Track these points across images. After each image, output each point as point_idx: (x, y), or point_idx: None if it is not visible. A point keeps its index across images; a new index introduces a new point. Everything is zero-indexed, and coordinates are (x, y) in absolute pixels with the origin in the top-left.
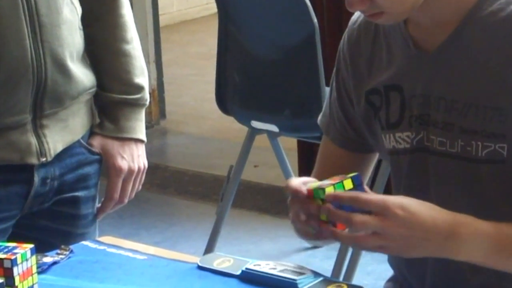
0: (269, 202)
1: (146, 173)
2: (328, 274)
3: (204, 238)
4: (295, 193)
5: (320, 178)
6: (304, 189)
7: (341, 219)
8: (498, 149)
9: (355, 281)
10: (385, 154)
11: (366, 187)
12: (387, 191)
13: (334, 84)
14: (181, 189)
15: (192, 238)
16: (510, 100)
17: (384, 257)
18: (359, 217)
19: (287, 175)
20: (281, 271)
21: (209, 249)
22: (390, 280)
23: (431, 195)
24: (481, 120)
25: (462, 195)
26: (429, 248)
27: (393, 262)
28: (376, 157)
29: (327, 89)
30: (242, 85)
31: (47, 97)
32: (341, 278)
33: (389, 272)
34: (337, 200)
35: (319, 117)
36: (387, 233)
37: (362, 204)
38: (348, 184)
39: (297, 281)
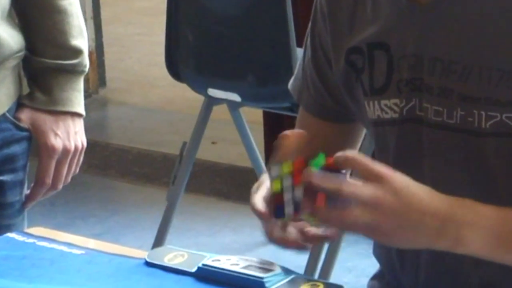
0: (229, 185)
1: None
2: (301, 270)
3: (152, 228)
4: (261, 216)
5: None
6: (265, 209)
7: (329, 184)
8: (505, 119)
9: (333, 278)
10: (368, 125)
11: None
12: None
13: (308, 41)
14: (124, 171)
15: (138, 228)
16: None
17: (367, 251)
18: (350, 184)
19: (251, 153)
20: (244, 267)
21: (158, 241)
22: (375, 277)
23: (424, 174)
24: (485, 85)
25: (462, 175)
26: (424, 232)
27: (380, 254)
28: (363, 128)
29: (299, 51)
30: (196, 46)
31: None
32: (316, 276)
33: (372, 268)
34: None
35: (290, 81)
36: (380, 206)
37: (357, 165)
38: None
39: (264, 280)
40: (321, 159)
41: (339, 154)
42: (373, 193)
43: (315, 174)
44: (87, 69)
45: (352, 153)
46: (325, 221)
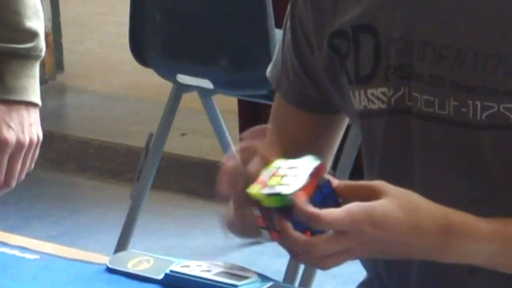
0: (201, 181)
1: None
2: (279, 277)
3: (115, 230)
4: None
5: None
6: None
7: (306, 215)
8: (502, 110)
9: (315, 286)
10: (354, 117)
11: (331, 178)
12: (357, 168)
13: (288, 23)
14: (84, 166)
15: (99, 230)
16: None
17: None
18: (329, 215)
19: (225, 146)
20: (217, 274)
21: (121, 244)
22: (363, 284)
23: (414, 170)
24: (480, 72)
25: (455, 171)
26: (412, 257)
27: (366, 261)
28: (346, 119)
29: (278, 32)
30: (164, 27)
31: None
32: (297, 283)
33: (359, 274)
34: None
35: (269, 68)
36: (357, 250)
37: (324, 225)
38: None
39: (239, 287)
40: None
41: (309, 210)
42: (347, 243)
43: (295, 205)
44: (43, 53)
45: (315, 213)
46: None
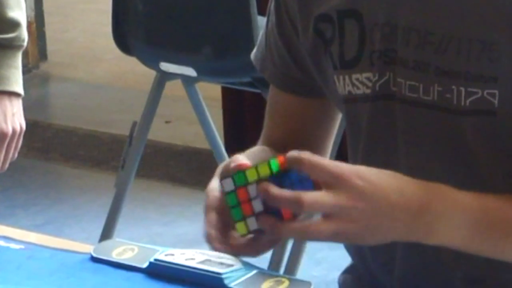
0: (185, 169)
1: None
2: (265, 265)
3: (100, 218)
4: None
5: (270, 138)
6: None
7: (287, 201)
8: (486, 96)
9: (301, 273)
10: (338, 102)
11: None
12: (341, 154)
13: (273, 6)
14: (68, 154)
15: (84, 219)
16: (504, 30)
17: None
18: (309, 195)
19: (209, 133)
20: (201, 262)
21: (107, 233)
22: (347, 271)
23: (399, 156)
24: (464, 58)
25: (440, 156)
26: (397, 229)
27: (352, 247)
28: None
29: (260, 19)
30: (147, 16)
31: None
32: (282, 270)
33: (344, 260)
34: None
35: (253, 51)
36: (344, 211)
37: (313, 169)
38: (264, 169)
39: (223, 276)
40: (274, 166)
41: (291, 154)
42: (335, 201)
43: (272, 188)
44: (25, 43)
45: (305, 154)
46: (289, 235)
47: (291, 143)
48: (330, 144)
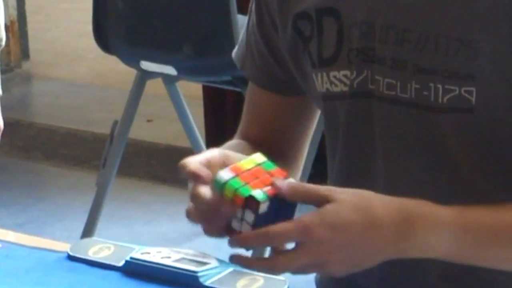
0: (166, 168)
1: (4, 132)
2: None
3: (81, 217)
4: (195, 177)
5: (247, 134)
6: (207, 173)
7: (259, 244)
8: (464, 94)
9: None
10: (317, 100)
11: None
12: (321, 153)
13: (254, 5)
14: (50, 153)
15: (66, 217)
16: (482, 28)
17: None
18: (279, 262)
19: (190, 132)
20: (177, 260)
21: (88, 231)
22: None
23: (376, 153)
24: (442, 56)
25: (417, 154)
26: (379, 256)
27: None
28: None
29: (241, 18)
30: (127, 14)
31: None
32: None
33: None
34: (244, 244)
35: (235, 49)
36: (320, 261)
37: (278, 240)
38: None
39: (198, 274)
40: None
41: (249, 236)
42: (307, 258)
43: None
44: (3, 43)
45: (265, 231)
46: (271, 270)
47: (268, 140)
48: (307, 141)
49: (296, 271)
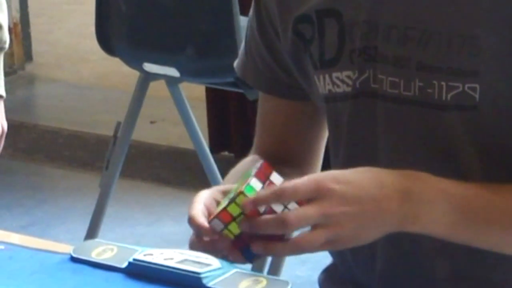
0: (170, 169)
1: (8, 134)
2: (247, 265)
3: (85, 219)
4: (200, 230)
5: (261, 146)
6: (206, 225)
7: (272, 226)
8: (467, 90)
9: (285, 273)
10: (320, 102)
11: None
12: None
13: (254, 10)
14: (54, 155)
15: (69, 219)
16: (485, 24)
17: None
18: (292, 213)
19: (193, 134)
20: (180, 262)
21: (91, 233)
22: (327, 270)
23: (380, 153)
24: (445, 53)
25: (421, 152)
26: (386, 220)
27: None
28: None
29: (243, 19)
30: (130, 16)
31: None
32: (266, 270)
33: (329, 260)
34: (256, 205)
35: (236, 60)
36: (331, 218)
37: (290, 195)
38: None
39: (201, 275)
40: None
41: (261, 196)
42: (320, 211)
43: (253, 220)
44: (7, 45)
45: (277, 188)
46: (283, 253)
47: (281, 150)
48: (322, 146)
49: (314, 247)
